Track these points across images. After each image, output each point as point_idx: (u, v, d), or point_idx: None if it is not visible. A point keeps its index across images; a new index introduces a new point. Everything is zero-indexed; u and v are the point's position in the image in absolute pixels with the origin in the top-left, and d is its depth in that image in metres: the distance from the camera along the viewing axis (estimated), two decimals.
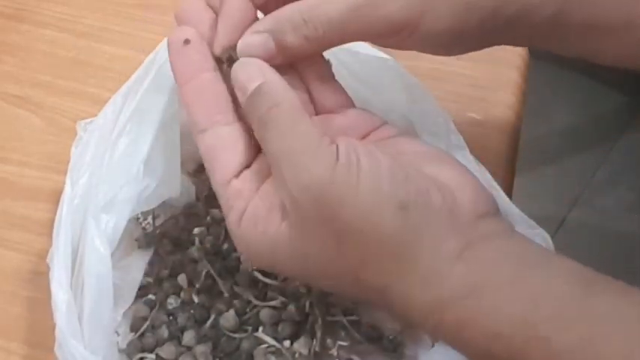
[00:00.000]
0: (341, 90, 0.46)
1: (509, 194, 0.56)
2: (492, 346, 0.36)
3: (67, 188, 0.47)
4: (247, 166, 0.42)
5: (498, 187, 0.48)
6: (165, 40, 0.50)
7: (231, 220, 0.41)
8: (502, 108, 0.61)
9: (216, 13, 0.44)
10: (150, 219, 0.53)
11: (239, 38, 0.43)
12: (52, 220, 0.47)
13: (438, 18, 0.42)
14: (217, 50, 0.43)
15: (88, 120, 0.50)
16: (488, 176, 0.49)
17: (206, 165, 0.43)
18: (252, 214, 0.41)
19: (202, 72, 0.43)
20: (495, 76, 0.62)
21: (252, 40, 0.42)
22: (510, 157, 0.59)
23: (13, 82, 0.63)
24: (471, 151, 0.50)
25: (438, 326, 0.38)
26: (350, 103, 0.46)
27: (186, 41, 0.43)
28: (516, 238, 0.40)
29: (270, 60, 0.42)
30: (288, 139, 0.39)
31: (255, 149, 0.43)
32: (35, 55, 0.65)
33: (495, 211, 0.41)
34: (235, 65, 0.42)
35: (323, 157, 0.38)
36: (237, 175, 0.42)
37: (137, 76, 0.50)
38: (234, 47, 0.43)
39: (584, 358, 0.35)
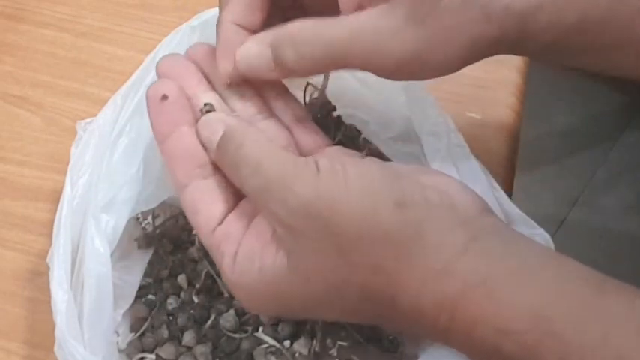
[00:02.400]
0: (317, 130, 0.46)
1: (509, 194, 0.56)
2: (504, 344, 0.35)
3: (67, 188, 0.47)
4: (229, 212, 0.42)
5: (498, 187, 0.48)
6: (165, 40, 0.50)
7: (225, 267, 0.40)
8: (502, 108, 0.61)
9: (199, 66, 0.45)
10: (150, 219, 0.53)
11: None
12: (52, 220, 0.47)
13: (443, 55, 0.41)
14: (225, 81, 0.44)
15: (88, 120, 0.50)
16: (489, 176, 0.49)
17: (191, 220, 0.42)
18: (246, 252, 0.40)
19: (179, 126, 0.43)
20: (495, 76, 0.62)
21: (251, 51, 0.42)
22: (510, 157, 0.59)
23: (13, 82, 0.63)
24: (471, 151, 0.50)
25: (450, 327, 0.37)
26: (327, 143, 0.46)
27: (164, 97, 0.43)
28: (519, 235, 0.39)
29: (266, 74, 0.43)
30: (263, 171, 0.38)
31: (236, 197, 0.42)
32: (35, 55, 0.65)
33: (492, 212, 0.41)
34: (198, 124, 0.42)
35: (302, 174, 0.37)
36: (220, 222, 0.41)
37: (137, 76, 0.50)
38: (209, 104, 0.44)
39: (602, 357, 0.34)
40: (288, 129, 0.45)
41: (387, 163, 0.42)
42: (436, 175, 0.41)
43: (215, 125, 0.42)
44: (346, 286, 0.38)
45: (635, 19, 0.40)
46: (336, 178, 0.37)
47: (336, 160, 0.38)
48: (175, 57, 0.45)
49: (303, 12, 0.45)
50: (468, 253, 0.36)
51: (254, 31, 0.43)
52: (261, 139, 0.40)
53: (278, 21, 0.44)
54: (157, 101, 0.43)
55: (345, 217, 0.37)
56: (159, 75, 0.45)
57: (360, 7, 0.42)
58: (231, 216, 0.42)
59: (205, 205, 0.42)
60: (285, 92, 0.46)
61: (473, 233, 0.37)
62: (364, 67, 0.42)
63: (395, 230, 0.37)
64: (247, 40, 0.43)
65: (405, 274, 0.37)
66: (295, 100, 0.46)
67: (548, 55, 0.44)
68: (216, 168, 0.42)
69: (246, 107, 0.45)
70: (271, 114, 0.46)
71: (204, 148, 0.42)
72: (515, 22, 0.40)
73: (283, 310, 0.41)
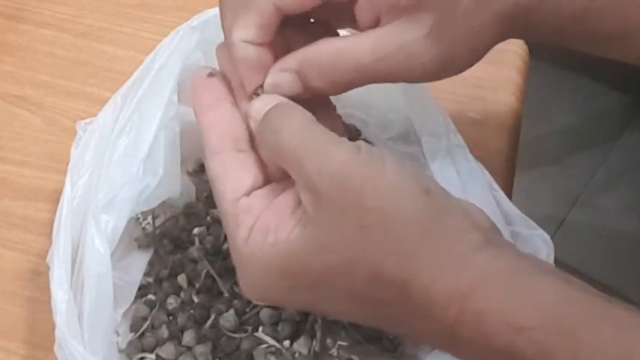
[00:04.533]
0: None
1: (509, 194, 0.56)
2: (514, 341, 0.35)
3: (67, 188, 0.47)
4: (257, 188, 0.42)
5: (498, 187, 0.48)
6: (164, 40, 0.50)
7: (238, 239, 0.40)
8: (502, 108, 0.61)
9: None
10: (150, 219, 0.53)
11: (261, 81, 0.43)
12: (52, 220, 0.47)
13: (464, 59, 0.43)
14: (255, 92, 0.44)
15: (88, 120, 0.51)
16: (488, 176, 0.49)
17: (215, 186, 0.42)
18: (262, 226, 0.40)
19: (223, 102, 0.44)
20: (495, 76, 0.62)
21: (280, 78, 0.43)
22: (510, 157, 0.59)
23: (13, 82, 0.63)
24: (471, 151, 0.50)
25: (458, 320, 0.37)
26: None
27: (211, 74, 0.45)
28: (527, 253, 0.40)
29: (297, 97, 0.43)
30: (307, 138, 0.39)
31: (266, 178, 0.42)
32: (35, 55, 0.65)
33: (501, 233, 0.41)
34: (253, 100, 0.43)
35: (345, 147, 0.38)
36: (247, 194, 0.42)
37: (137, 76, 0.50)
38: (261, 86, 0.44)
39: (613, 355, 0.34)
40: None
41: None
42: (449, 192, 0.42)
43: (268, 100, 0.42)
44: (358, 264, 0.38)
45: None
46: (374, 159, 0.38)
47: (374, 148, 0.39)
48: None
49: (312, 22, 0.45)
50: (481, 251, 0.37)
51: (266, 46, 0.43)
52: (309, 116, 0.40)
53: (289, 30, 0.44)
54: (203, 77, 0.45)
55: (375, 195, 0.37)
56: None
57: (377, 22, 0.42)
58: (258, 191, 0.42)
59: (236, 172, 0.42)
60: (327, 104, 0.46)
61: (486, 238, 0.38)
62: (392, 81, 0.44)
63: (419, 212, 0.38)
64: (274, 68, 0.43)
65: (420, 258, 0.37)
66: (336, 113, 0.47)
67: (558, 39, 0.44)
68: (252, 146, 0.43)
69: None
70: None
71: (250, 119, 0.42)
72: (525, 13, 0.42)
73: (284, 290, 0.41)
